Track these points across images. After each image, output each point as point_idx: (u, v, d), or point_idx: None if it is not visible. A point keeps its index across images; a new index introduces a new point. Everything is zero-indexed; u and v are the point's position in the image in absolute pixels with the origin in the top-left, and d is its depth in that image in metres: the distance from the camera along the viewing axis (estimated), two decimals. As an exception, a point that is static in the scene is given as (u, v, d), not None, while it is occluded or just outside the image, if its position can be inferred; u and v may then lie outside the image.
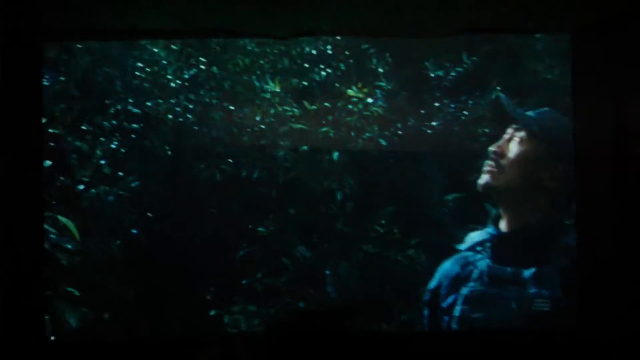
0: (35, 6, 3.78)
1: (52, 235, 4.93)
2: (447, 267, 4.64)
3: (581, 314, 4.32)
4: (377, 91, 5.52)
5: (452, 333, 4.75)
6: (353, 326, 3.27)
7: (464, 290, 4.56)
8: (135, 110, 5.36)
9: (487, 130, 5.36)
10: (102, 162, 5.27)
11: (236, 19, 4.06)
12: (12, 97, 3.74)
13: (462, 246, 4.70)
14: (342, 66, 5.54)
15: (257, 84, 5.44)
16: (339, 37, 5.62)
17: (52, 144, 5.18)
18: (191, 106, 5.41)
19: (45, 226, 4.83)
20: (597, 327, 4.23)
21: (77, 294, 4.97)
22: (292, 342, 3.03)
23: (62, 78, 5.31)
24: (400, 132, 5.48)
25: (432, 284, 4.65)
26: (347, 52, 5.59)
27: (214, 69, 5.45)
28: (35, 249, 3.78)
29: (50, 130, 5.18)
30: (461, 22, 4.27)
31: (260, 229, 5.32)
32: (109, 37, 4.85)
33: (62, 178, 5.17)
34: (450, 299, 4.59)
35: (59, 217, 4.87)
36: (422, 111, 5.46)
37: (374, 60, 5.52)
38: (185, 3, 3.83)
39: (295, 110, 5.44)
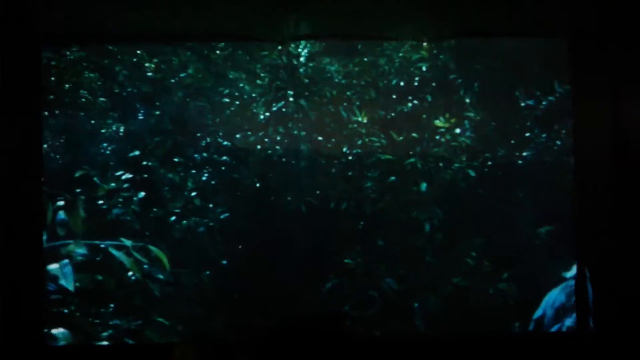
0: (34, 9, 3.89)
1: (145, 266, 5.00)
2: (553, 296, 4.48)
3: (580, 314, 4.27)
4: (465, 122, 5.43)
5: (451, 337, 4.64)
6: (348, 329, 3.23)
7: (568, 321, 4.39)
8: (225, 143, 5.41)
9: (581, 160, 5.17)
10: (193, 194, 5.33)
11: (235, 24, 4.10)
12: (11, 99, 3.84)
13: (569, 274, 4.52)
14: (429, 97, 5.49)
15: (344, 114, 5.44)
16: (424, 69, 5.58)
17: (145, 175, 5.27)
18: (279, 138, 5.43)
19: (137, 255, 4.90)
20: (598, 325, 4.17)
21: (167, 323, 5.00)
22: (290, 344, 3.01)
23: (156, 112, 5.42)
24: (489, 163, 5.36)
25: (537, 313, 4.50)
26: (433, 84, 5.55)
27: (302, 101, 5.48)
28: (33, 257, 3.87)
29: (144, 163, 5.28)
30: (459, 25, 4.27)
31: (347, 260, 5.26)
32: (108, 41, 4.92)
33: (155, 209, 5.24)
34: (553, 330, 4.42)
35: (151, 247, 4.93)
36: (512, 141, 5.35)
37: (462, 91, 5.44)
38: (184, 8, 3.89)
39: (382, 141, 5.40)
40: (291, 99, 5.47)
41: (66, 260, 4.54)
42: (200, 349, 2.99)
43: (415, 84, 5.58)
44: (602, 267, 4.12)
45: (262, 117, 5.46)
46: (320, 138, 5.44)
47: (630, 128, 4.15)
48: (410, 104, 5.54)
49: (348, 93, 5.57)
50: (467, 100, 5.39)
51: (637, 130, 4.13)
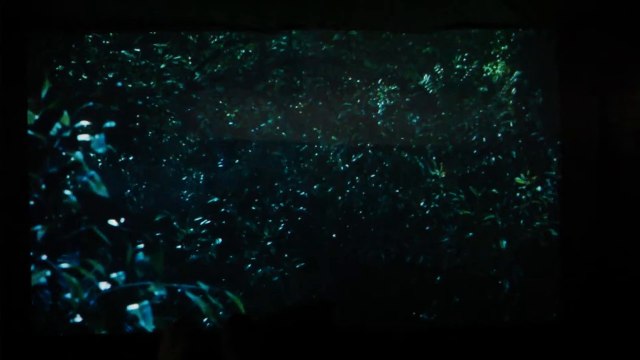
0: None
1: (220, 312, 5.04)
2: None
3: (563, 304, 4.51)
4: (547, 180, 5.39)
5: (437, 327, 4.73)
6: (337, 319, 3.21)
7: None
8: (303, 193, 5.48)
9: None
10: (269, 243, 5.38)
11: (224, 13, 4.16)
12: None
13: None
14: (513, 153, 5.48)
15: (421, 165, 5.46)
16: (507, 127, 5.59)
17: (223, 222, 5.36)
18: (355, 189, 5.48)
19: (214, 301, 4.95)
20: (579, 317, 4.41)
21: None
22: (280, 335, 2.99)
23: (236, 161, 5.54)
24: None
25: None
26: (519, 141, 5.54)
27: (379, 154, 5.53)
28: (21, 249, 3.98)
29: (222, 210, 5.38)
30: (448, 17, 4.29)
31: (422, 315, 5.21)
32: (96, 29, 5.03)
33: (231, 256, 5.31)
34: None
35: (227, 292, 4.98)
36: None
37: (550, 150, 5.42)
38: None
39: (461, 196, 5.39)
40: (370, 151, 5.52)
41: (146, 302, 4.63)
42: (191, 336, 3.01)
43: (496, 140, 5.57)
44: (585, 256, 4.15)
45: (342, 168, 5.51)
46: (397, 191, 5.45)
47: (617, 120, 4.21)
48: (489, 160, 5.51)
49: (426, 147, 5.59)
50: (555, 159, 5.34)
51: (623, 123, 4.19)
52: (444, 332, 4.39)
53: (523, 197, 5.43)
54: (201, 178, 5.58)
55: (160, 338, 3.11)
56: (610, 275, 4.35)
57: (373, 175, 5.57)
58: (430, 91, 5.66)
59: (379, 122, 5.68)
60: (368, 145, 5.64)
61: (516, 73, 5.53)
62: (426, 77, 5.69)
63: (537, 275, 5.31)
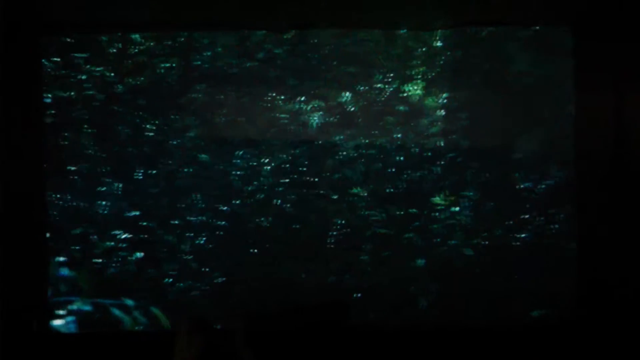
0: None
1: (138, 327, 5.22)
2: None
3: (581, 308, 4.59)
4: (465, 200, 5.81)
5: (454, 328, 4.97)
6: (348, 320, 3.43)
7: None
8: (223, 208, 5.71)
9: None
10: (189, 257, 5.60)
11: (234, 12, 4.34)
12: (12, 90, 4.14)
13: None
14: (438, 170, 5.88)
15: (350, 178, 5.78)
16: (426, 146, 5.98)
17: (142, 236, 5.54)
18: (278, 205, 5.76)
19: (136, 314, 5.14)
20: (597, 322, 4.48)
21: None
22: (289, 336, 3.19)
23: (153, 172, 5.72)
24: (485, 243, 5.71)
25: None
26: (441, 162, 5.93)
27: (303, 169, 5.83)
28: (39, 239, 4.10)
29: (143, 223, 5.56)
30: (461, 14, 4.52)
31: (342, 332, 5.51)
32: (102, 30, 5.25)
33: (150, 270, 5.50)
34: None
35: (152, 308, 5.17)
36: (511, 222, 5.73)
37: (469, 174, 5.83)
38: None
39: (383, 214, 5.73)
40: (296, 168, 5.80)
41: (72, 317, 4.77)
42: (208, 334, 3.22)
43: (416, 160, 5.94)
44: (601, 262, 4.41)
45: (264, 182, 5.78)
46: (321, 207, 5.75)
47: (634, 122, 4.40)
48: (409, 180, 5.89)
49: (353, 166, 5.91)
50: (468, 179, 5.75)
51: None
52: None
53: (441, 216, 5.83)
54: (119, 190, 5.73)
55: (176, 336, 3.23)
56: (623, 285, 4.56)
57: (299, 192, 5.84)
58: (352, 109, 5.98)
59: (304, 139, 5.97)
60: (293, 161, 5.92)
61: (444, 94, 5.92)
62: (347, 95, 6.01)
63: (453, 293, 5.69)
